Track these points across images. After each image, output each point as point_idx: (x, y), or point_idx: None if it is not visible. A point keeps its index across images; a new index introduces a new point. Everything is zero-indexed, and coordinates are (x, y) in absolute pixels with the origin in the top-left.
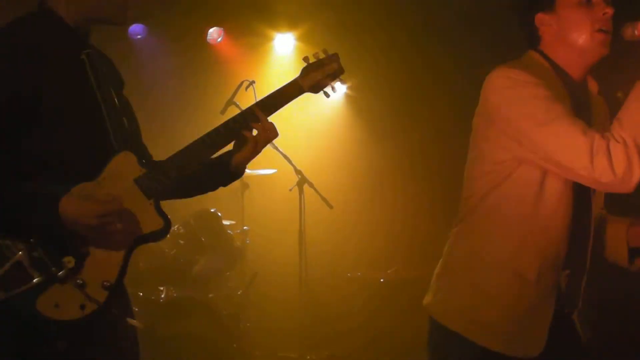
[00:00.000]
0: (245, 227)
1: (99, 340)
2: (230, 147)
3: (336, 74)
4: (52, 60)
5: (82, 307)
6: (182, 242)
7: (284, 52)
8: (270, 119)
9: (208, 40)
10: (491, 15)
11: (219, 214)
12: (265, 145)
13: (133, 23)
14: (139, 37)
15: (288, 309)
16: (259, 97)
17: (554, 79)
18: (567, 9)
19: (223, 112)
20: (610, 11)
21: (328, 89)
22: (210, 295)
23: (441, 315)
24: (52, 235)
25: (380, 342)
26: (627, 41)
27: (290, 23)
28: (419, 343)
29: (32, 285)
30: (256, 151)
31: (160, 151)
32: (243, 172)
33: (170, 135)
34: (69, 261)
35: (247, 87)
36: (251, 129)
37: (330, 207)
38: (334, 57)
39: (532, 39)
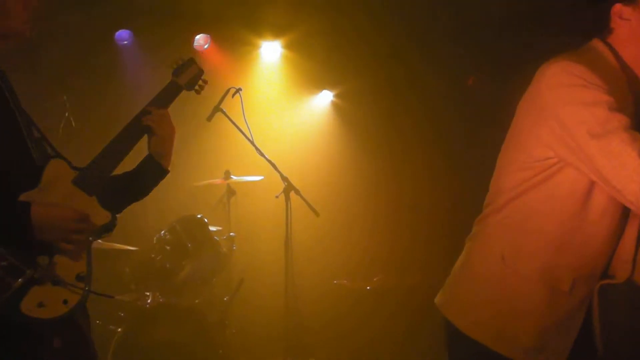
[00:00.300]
0: (231, 234)
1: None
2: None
3: (200, 73)
4: None
5: (65, 302)
6: (168, 247)
7: (270, 60)
8: (258, 126)
9: (195, 47)
10: (475, 28)
11: (206, 220)
12: (167, 132)
13: (119, 29)
14: (125, 43)
15: (274, 316)
16: (246, 105)
17: (620, 78)
18: None
19: (210, 118)
20: None
21: (197, 88)
22: (197, 301)
23: (466, 327)
24: (21, 241)
25: (366, 350)
26: None
27: (277, 31)
28: (405, 350)
29: (13, 290)
30: (164, 139)
31: None
32: (167, 164)
33: None
34: (44, 260)
35: (233, 94)
36: (151, 120)
37: (317, 214)
38: (193, 61)
39: (601, 29)
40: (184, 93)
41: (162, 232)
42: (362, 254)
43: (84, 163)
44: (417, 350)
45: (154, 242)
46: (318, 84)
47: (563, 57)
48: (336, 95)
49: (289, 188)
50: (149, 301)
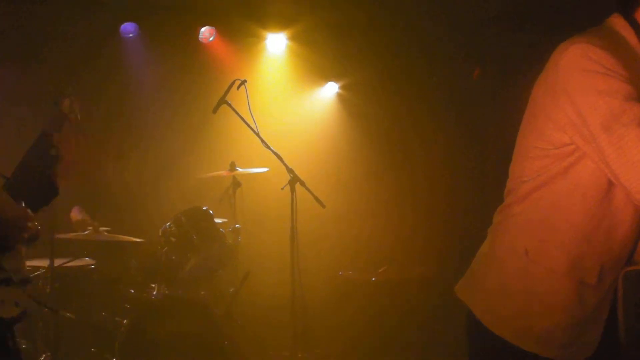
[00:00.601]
0: (237, 225)
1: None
2: None
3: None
4: None
5: (17, 304)
6: (173, 239)
7: (275, 52)
8: (263, 118)
9: (200, 40)
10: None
11: (211, 212)
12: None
13: (125, 22)
14: (130, 35)
15: (280, 308)
16: (251, 97)
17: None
18: None
19: (215, 111)
20: None
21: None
22: (202, 293)
23: (491, 323)
24: None
25: (372, 340)
26: None
27: (282, 23)
28: (410, 341)
29: None
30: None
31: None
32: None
33: (163, 133)
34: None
35: (238, 86)
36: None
37: (323, 206)
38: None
39: (627, 4)
40: (189, 85)
41: (168, 224)
42: (367, 245)
43: (87, 154)
44: (424, 340)
45: (160, 234)
46: (323, 76)
47: (583, 38)
48: (342, 87)
49: (294, 180)
50: (154, 293)
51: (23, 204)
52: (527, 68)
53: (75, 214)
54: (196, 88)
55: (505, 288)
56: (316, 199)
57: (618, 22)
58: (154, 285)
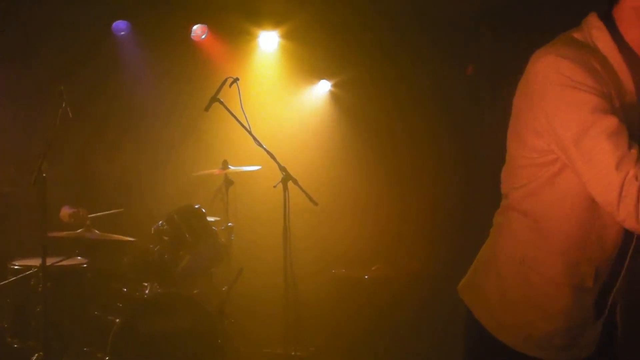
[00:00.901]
0: (229, 224)
1: None
2: None
3: None
4: None
5: None
6: (166, 238)
7: (268, 50)
8: (255, 116)
9: (192, 37)
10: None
11: (204, 210)
12: None
13: (117, 20)
14: (122, 33)
15: (273, 305)
16: (243, 95)
17: (617, 63)
18: None
19: (207, 109)
20: None
21: None
22: (195, 292)
23: (491, 327)
24: None
25: (365, 338)
26: None
27: (275, 21)
28: (402, 338)
29: None
30: None
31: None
32: None
33: (156, 131)
34: None
35: (231, 84)
36: None
37: (315, 204)
38: None
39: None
40: (181, 83)
41: (160, 222)
42: (360, 243)
43: (81, 152)
44: (416, 339)
45: (152, 232)
46: (316, 74)
47: (552, 49)
48: (334, 85)
49: (286, 178)
50: (147, 291)
51: None
52: (517, 67)
53: (66, 211)
54: (188, 86)
55: (505, 294)
56: (308, 196)
57: (593, 23)
58: (146, 284)
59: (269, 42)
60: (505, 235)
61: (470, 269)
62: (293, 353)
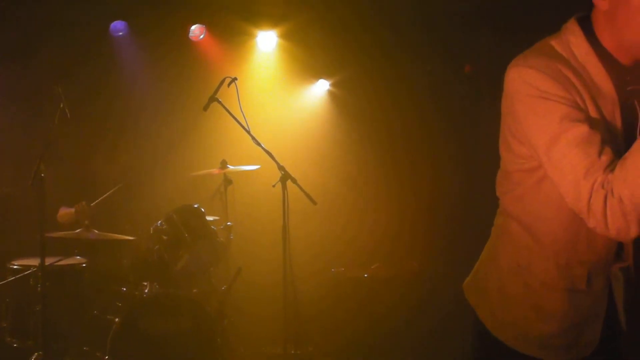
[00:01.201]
0: (228, 223)
1: None
2: None
3: None
4: None
5: None
6: (165, 237)
7: (266, 50)
8: (254, 116)
9: (190, 38)
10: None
11: (203, 209)
12: None
13: (115, 20)
14: (120, 34)
15: (272, 305)
16: (242, 95)
17: (594, 68)
18: None
19: (206, 108)
20: None
21: None
22: (194, 291)
23: (494, 327)
24: None
25: (363, 337)
26: None
27: (273, 21)
28: (401, 337)
29: None
30: None
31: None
32: None
33: (155, 131)
34: None
35: (229, 84)
36: None
37: (314, 203)
38: None
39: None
40: (179, 83)
41: (159, 222)
42: (359, 242)
43: (80, 153)
44: (415, 338)
45: (151, 232)
46: (314, 73)
47: (522, 59)
48: (332, 84)
49: (285, 177)
50: (146, 291)
51: None
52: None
53: (63, 211)
54: (187, 86)
55: (505, 296)
56: (307, 195)
57: (571, 28)
58: (145, 283)
59: (267, 42)
60: (504, 239)
61: (474, 269)
62: (292, 352)
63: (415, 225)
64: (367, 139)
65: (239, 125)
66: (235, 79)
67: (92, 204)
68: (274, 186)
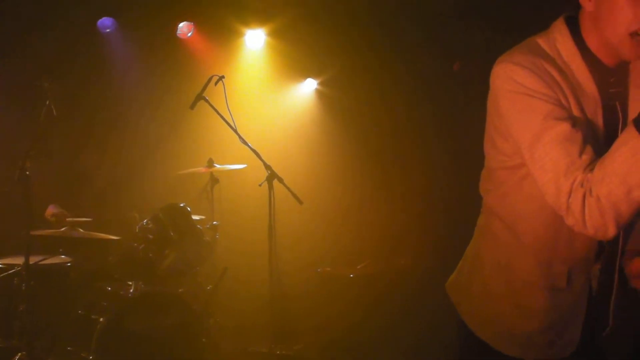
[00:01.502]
0: (214, 222)
1: None
2: None
3: None
4: None
5: None
6: (151, 236)
7: (254, 48)
8: (241, 115)
9: (178, 35)
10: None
11: (189, 208)
12: None
13: (103, 16)
14: (108, 30)
15: (258, 304)
16: (229, 93)
17: (578, 68)
18: None
19: (193, 106)
20: None
21: None
22: (180, 290)
23: (476, 326)
24: None
25: (349, 336)
26: None
27: (261, 19)
28: (389, 336)
29: None
30: None
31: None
32: None
33: (142, 129)
34: None
35: (216, 82)
36: None
37: (300, 202)
38: None
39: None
40: (166, 81)
41: (145, 221)
42: (345, 241)
43: (63, 150)
44: (402, 336)
45: (137, 231)
46: (302, 72)
47: (508, 56)
48: (320, 83)
49: (272, 176)
50: (132, 290)
51: None
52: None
53: (51, 210)
54: (174, 84)
55: (488, 294)
56: (294, 195)
57: (558, 27)
58: (131, 283)
59: (255, 40)
60: (487, 237)
61: (457, 267)
62: (278, 352)
63: (403, 223)
64: (355, 138)
65: (225, 124)
66: (223, 77)
67: (68, 219)
68: (260, 185)
